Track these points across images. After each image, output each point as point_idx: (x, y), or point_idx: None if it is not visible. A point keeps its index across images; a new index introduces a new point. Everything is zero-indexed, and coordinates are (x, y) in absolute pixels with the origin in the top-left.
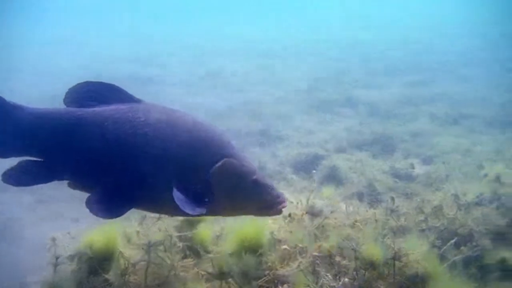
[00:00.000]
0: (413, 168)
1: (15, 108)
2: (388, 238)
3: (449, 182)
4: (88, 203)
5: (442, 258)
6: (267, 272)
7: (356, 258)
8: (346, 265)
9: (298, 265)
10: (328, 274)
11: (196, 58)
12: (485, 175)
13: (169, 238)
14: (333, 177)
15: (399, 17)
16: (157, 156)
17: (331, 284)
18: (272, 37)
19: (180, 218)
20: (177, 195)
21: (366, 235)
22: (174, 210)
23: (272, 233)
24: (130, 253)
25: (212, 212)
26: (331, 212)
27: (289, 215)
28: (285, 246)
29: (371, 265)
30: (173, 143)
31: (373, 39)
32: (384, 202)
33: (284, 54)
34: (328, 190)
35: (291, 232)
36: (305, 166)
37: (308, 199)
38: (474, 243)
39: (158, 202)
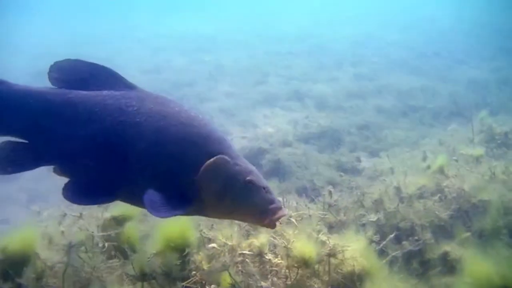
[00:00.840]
0: (359, 161)
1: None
2: (323, 234)
3: (394, 175)
4: (65, 189)
5: (382, 253)
6: (193, 272)
7: (288, 256)
8: (278, 263)
9: (223, 265)
10: (255, 274)
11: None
12: (428, 167)
13: (91, 238)
14: (277, 171)
15: (356, 13)
16: (146, 149)
17: (258, 284)
18: (217, 31)
19: (107, 216)
20: (148, 197)
21: (300, 231)
22: None
23: (201, 231)
24: (48, 255)
25: (199, 211)
26: None
27: None
28: (213, 245)
29: (304, 262)
30: (165, 136)
31: (323, 33)
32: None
33: (231, 47)
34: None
35: (221, 230)
36: (249, 160)
37: None
38: (415, 237)
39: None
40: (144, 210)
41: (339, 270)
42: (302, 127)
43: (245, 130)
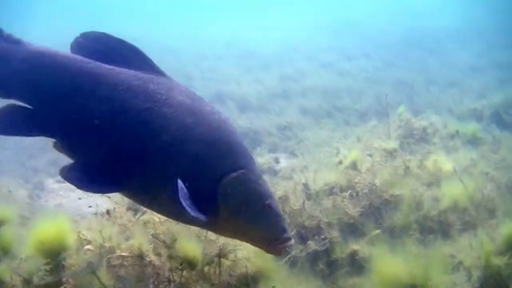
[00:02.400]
0: (278, 162)
1: (14, 42)
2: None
3: (304, 172)
4: (66, 169)
5: (283, 254)
6: (65, 279)
7: (171, 257)
8: (160, 265)
9: (88, 266)
10: (127, 278)
11: None
12: (340, 162)
13: None
14: None
15: (290, 18)
16: (170, 144)
17: None
18: (145, 32)
19: None
20: (182, 192)
21: (188, 229)
22: (169, 209)
23: (79, 232)
24: None
25: (208, 225)
26: None
27: (107, 212)
28: (88, 247)
29: (188, 263)
30: (192, 135)
31: (254, 38)
32: None
33: (156, 51)
34: None
35: (100, 230)
36: None
37: None
38: (322, 236)
39: (152, 195)
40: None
41: (231, 272)
42: None
43: None
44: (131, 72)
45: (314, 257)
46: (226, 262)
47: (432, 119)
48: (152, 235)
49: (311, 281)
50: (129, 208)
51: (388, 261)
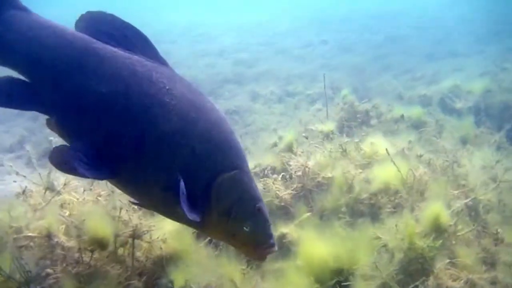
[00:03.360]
0: None
1: (22, 9)
2: (127, 211)
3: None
4: (57, 151)
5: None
6: None
7: (79, 237)
8: (70, 247)
9: None
10: (23, 259)
11: None
12: (275, 145)
13: None
14: None
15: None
16: (169, 135)
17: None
18: None
19: None
20: (182, 193)
21: (100, 207)
22: (159, 203)
23: None
24: None
25: (199, 225)
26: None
27: (23, 191)
28: None
29: (98, 244)
30: (193, 130)
31: (213, 23)
32: None
33: None
34: None
35: (9, 210)
36: None
37: (49, 172)
38: None
39: (145, 186)
40: None
41: (147, 254)
42: None
43: None
44: (135, 57)
45: None
46: (141, 244)
47: (376, 102)
48: (60, 214)
49: (233, 264)
50: (47, 188)
51: (315, 245)
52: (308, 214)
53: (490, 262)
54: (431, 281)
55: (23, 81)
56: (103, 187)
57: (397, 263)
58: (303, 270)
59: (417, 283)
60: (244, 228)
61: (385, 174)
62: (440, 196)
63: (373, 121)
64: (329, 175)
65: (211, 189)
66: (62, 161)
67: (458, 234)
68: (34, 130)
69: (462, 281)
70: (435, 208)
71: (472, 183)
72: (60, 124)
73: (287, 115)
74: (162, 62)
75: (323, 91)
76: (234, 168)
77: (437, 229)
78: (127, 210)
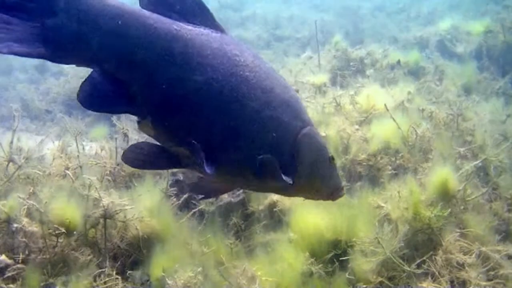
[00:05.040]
0: None
1: None
2: (96, 189)
3: None
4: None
5: (188, 208)
6: None
7: (42, 222)
8: (33, 232)
9: None
10: None
11: None
12: None
13: None
14: (109, 116)
15: None
16: (258, 111)
17: None
18: None
19: None
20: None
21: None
22: (254, 181)
23: None
24: None
25: (290, 188)
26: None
27: None
28: None
29: (65, 229)
30: (273, 98)
31: None
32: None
33: None
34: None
35: None
36: (80, 106)
37: (11, 142)
38: None
39: (241, 169)
40: None
41: (122, 235)
42: None
43: (82, 70)
44: (205, 31)
45: (226, 210)
46: (115, 224)
47: (370, 49)
48: (18, 196)
49: (219, 238)
50: (9, 161)
51: (309, 214)
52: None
53: (504, 230)
54: (440, 255)
55: (111, 79)
56: (72, 158)
57: (401, 236)
58: (296, 243)
59: (424, 258)
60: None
61: (384, 131)
62: (445, 155)
63: (368, 69)
64: (323, 134)
65: (295, 149)
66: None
67: (468, 199)
68: None
69: (474, 254)
70: (441, 172)
71: (479, 139)
72: (158, 124)
73: (277, 61)
74: (220, 28)
75: (313, 34)
76: (307, 124)
77: (445, 196)
78: (96, 188)
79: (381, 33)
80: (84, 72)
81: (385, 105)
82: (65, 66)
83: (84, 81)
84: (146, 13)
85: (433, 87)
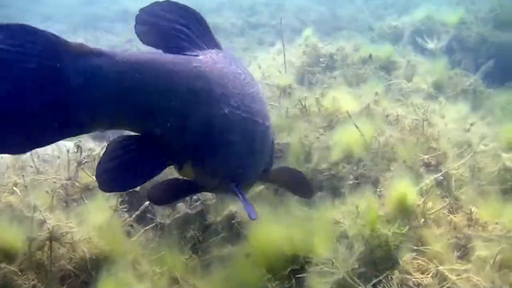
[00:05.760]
0: None
1: (100, 55)
2: (42, 210)
3: None
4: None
5: (143, 222)
6: None
7: None
8: None
9: None
10: None
11: None
12: None
13: None
14: None
15: None
16: (264, 125)
17: None
18: None
19: None
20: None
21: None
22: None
23: None
24: None
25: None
26: None
27: None
28: None
29: (5, 255)
30: (266, 107)
31: None
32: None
33: None
34: None
35: None
36: None
37: None
38: (194, 197)
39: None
40: None
41: (72, 256)
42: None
43: None
44: (217, 57)
45: (184, 223)
46: (61, 247)
47: (341, 44)
48: None
49: (175, 255)
50: None
51: (267, 227)
52: (261, 187)
53: (463, 245)
54: (396, 274)
55: (141, 141)
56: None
57: (357, 255)
58: (254, 257)
59: (380, 277)
60: None
61: (347, 138)
62: (409, 163)
63: (338, 65)
64: (285, 141)
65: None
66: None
67: (428, 213)
68: None
69: (431, 273)
70: (401, 187)
71: (443, 147)
72: (199, 165)
73: (249, 51)
74: (218, 44)
75: (289, 21)
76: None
77: (404, 211)
78: (40, 211)
79: (357, 19)
80: None
81: (347, 112)
82: None
83: (105, 161)
84: (162, 58)
85: (403, 86)
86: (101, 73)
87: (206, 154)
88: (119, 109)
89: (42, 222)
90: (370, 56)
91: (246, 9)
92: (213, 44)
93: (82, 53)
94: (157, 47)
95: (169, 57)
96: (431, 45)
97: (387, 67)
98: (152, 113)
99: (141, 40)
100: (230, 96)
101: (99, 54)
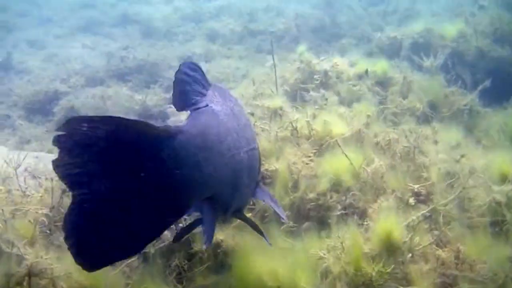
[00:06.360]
0: (171, 103)
1: (180, 132)
2: (22, 244)
3: None
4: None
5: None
6: None
7: None
8: None
9: None
10: None
11: None
12: None
13: None
14: None
15: None
16: (257, 150)
17: None
18: None
19: None
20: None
21: None
22: None
23: None
24: None
25: None
26: None
27: None
28: None
29: None
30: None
31: None
32: None
33: None
34: None
35: None
36: (39, 108)
37: None
38: (180, 224)
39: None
40: None
41: None
42: (118, 60)
43: (49, 67)
44: (218, 99)
45: (169, 251)
46: (40, 282)
47: (336, 60)
48: None
49: (159, 285)
50: None
51: (251, 258)
52: (249, 214)
53: (450, 284)
54: None
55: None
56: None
57: None
58: None
59: None
60: None
61: (336, 166)
62: (398, 192)
63: (333, 82)
64: (273, 167)
65: None
66: None
67: (415, 248)
68: None
69: None
70: (387, 223)
71: (433, 177)
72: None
73: (247, 59)
74: (209, 82)
75: (288, 27)
76: None
77: (389, 248)
78: (18, 247)
79: (356, 27)
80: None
81: (336, 141)
82: (30, 64)
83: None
84: (210, 124)
85: (397, 103)
86: (188, 148)
87: (233, 198)
88: (208, 177)
89: (21, 258)
90: (366, 71)
91: (245, 14)
92: (208, 85)
93: (171, 135)
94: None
95: (214, 125)
96: (427, 63)
97: (383, 83)
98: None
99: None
100: (237, 139)
101: (179, 131)
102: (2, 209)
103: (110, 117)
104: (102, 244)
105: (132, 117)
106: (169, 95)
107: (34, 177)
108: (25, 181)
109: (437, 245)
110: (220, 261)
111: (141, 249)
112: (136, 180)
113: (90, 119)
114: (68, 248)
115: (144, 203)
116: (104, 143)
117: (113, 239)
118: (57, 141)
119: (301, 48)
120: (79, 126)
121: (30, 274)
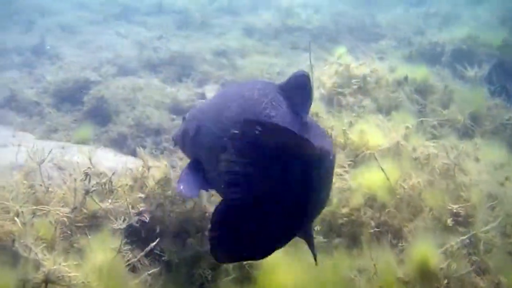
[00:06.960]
0: (204, 98)
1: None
2: (40, 249)
3: None
4: None
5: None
6: None
7: None
8: None
9: None
10: None
11: None
12: None
13: None
14: (100, 112)
15: None
16: None
17: None
18: None
19: None
20: None
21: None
22: None
23: None
24: None
25: None
26: None
27: None
28: None
29: None
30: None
31: None
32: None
33: None
34: (84, 131)
35: None
36: (68, 97)
37: None
38: (200, 233)
39: None
40: None
41: None
42: (151, 50)
43: (81, 54)
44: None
45: (193, 260)
46: None
47: (375, 65)
48: None
49: None
50: None
51: (279, 273)
52: None
53: None
54: None
55: None
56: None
57: None
58: None
59: None
60: None
61: (371, 179)
62: (436, 212)
63: (371, 88)
64: None
65: None
66: None
67: (452, 275)
68: None
69: None
70: (424, 247)
71: (473, 198)
72: None
73: (282, 56)
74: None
75: (325, 25)
76: None
77: (425, 274)
78: (36, 253)
79: (397, 28)
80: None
81: (374, 154)
82: (62, 50)
83: None
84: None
85: (437, 114)
86: (330, 171)
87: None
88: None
89: (38, 264)
90: (406, 78)
91: (283, 9)
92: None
93: (323, 155)
94: None
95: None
96: (471, 72)
97: (423, 91)
98: None
99: None
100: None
101: (328, 153)
102: (22, 211)
103: (286, 128)
104: (240, 242)
105: (163, 112)
106: (201, 89)
107: (59, 168)
108: (48, 175)
109: (476, 272)
110: (246, 273)
111: (269, 254)
112: (287, 191)
113: (263, 124)
114: (209, 239)
115: (284, 213)
116: (271, 151)
117: (250, 239)
118: (231, 138)
119: (340, 50)
120: (254, 128)
121: (47, 281)
